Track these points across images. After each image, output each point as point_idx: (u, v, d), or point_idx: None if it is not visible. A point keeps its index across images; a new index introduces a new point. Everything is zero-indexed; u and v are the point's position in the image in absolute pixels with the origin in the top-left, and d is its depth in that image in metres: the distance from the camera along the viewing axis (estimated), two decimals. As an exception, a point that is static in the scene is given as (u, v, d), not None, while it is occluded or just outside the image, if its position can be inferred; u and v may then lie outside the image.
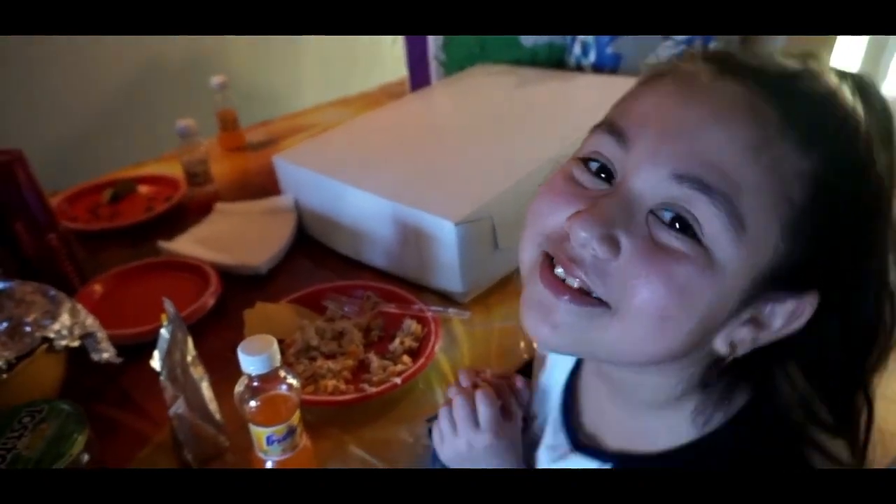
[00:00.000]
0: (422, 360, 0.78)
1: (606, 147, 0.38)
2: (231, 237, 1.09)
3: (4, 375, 0.66)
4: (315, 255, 1.05)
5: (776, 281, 0.35)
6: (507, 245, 0.90)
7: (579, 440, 0.48)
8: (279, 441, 0.61)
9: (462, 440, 0.51)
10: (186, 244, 1.07)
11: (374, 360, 0.79)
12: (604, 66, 1.34)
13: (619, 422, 0.46)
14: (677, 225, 0.35)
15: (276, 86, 2.02)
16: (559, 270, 0.38)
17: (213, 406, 0.70)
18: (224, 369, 0.71)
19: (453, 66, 1.44)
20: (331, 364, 0.79)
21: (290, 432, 0.62)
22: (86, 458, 0.58)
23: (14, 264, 0.90)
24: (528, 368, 0.60)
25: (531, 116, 1.12)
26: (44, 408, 0.62)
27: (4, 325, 0.70)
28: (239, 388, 0.61)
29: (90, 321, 0.74)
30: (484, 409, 0.51)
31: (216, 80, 1.38)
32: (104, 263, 1.02)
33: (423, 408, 0.75)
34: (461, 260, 0.87)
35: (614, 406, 0.46)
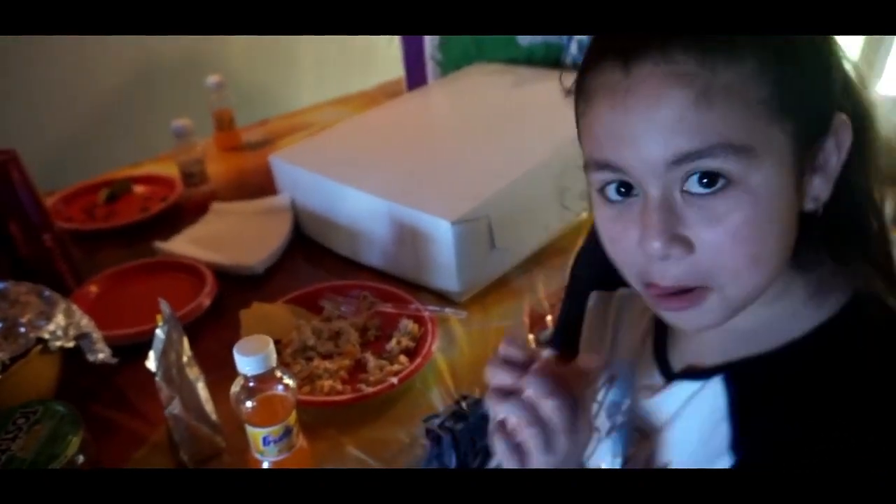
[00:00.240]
0: (419, 360, 0.77)
1: (608, 176, 0.41)
2: (227, 237, 1.09)
3: (-1, 376, 0.65)
4: (311, 254, 1.05)
5: (804, 141, 0.39)
6: (503, 244, 0.90)
7: (672, 374, 0.49)
8: (275, 442, 0.61)
9: (535, 462, 0.44)
10: (182, 244, 1.06)
11: (371, 360, 0.79)
12: (600, 66, 1.34)
13: (720, 336, 0.45)
14: (706, 180, 0.38)
15: (273, 85, 2.01)
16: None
17: (209, 406, 0.69)
18: (220, 370, 0.71)
19: (450, 65, 1.44)
20: (327, 364, 0.79)
21: (287, 433, 0.62)
22: (81, 459, 0.58)
23: (8, 265, 0.90)
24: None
25: (527, 116, 1.12)
26: (38, 409, 0.61)
27: (-1, 325, 0.70)
28: (235, 388, 0.61)
29: (85, 322, 0.73)
30: (558, 432, 0.42)
31: (212, 79, 1.38)
32: (99, 264, 1.02)
33: (421, 408, 0.75)
34: (458, 259, 0.87)
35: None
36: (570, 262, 0.63)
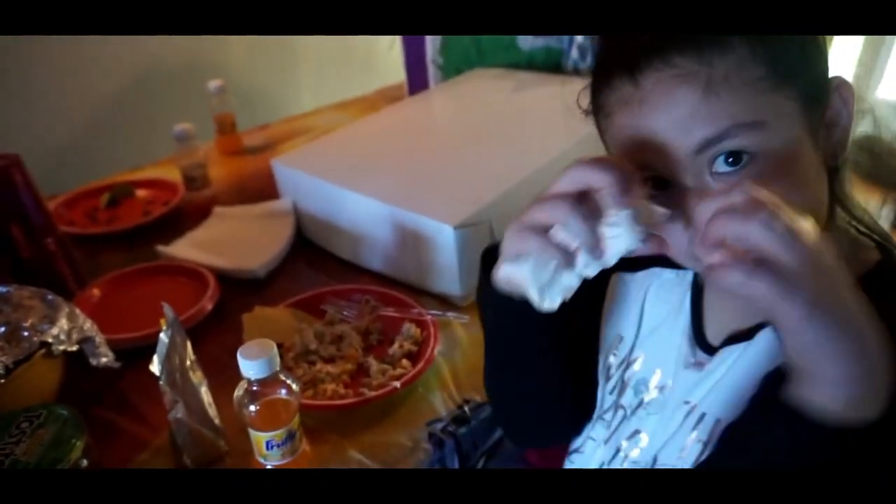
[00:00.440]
0: (421, 364, 0.78)
1: (643, 176, 0.43)
2: (229, 241, 1.09)
3: (2, 380, 0.65)
4: (313, 259, 1.05)
5: (809, 102, 0.42)
6: (505, 249, 0.90)
7: (714, 348, 0.50)
8: (279, 446, 0.61)
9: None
10: (184, 248, 1.07)
11: (374, 364, 0.79)
12: (601, 70, 1.34)
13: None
14: (731, 159, 0.41)
15: (274, 89, 2.02)
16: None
17: (211, 410, 0.69)
18: (222, 373, 0.71)
19: (451, 69, 1.45)
20: (330, 368, 0.79)
21: (290, 437, 0.62)
22: (84, 463, 0.58)
23: (11, 268, 0.90)
24: None
25: (529, 120, 1.13)
26: (42, 413, 0.61)
27: (2, 329, 0.70)
28: (238, 392, 0.61)
29: (88, 325, 0.74)
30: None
31: (214, 83, 1.39)
32: (101, 267, 1.02)
33: (423, 412, 0.75)
34: (460, 263, 0.87)
35: None
36: None
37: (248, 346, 0.60)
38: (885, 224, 0.50)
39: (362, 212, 0.96)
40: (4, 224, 0.89)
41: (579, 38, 1.38)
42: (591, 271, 0.41)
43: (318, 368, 0.79)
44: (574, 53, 1.40)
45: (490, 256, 0.49)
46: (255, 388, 0.60)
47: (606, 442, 0.55)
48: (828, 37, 0.44)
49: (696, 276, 0.54)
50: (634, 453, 0.53)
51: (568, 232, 0.40)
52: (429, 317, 0.85)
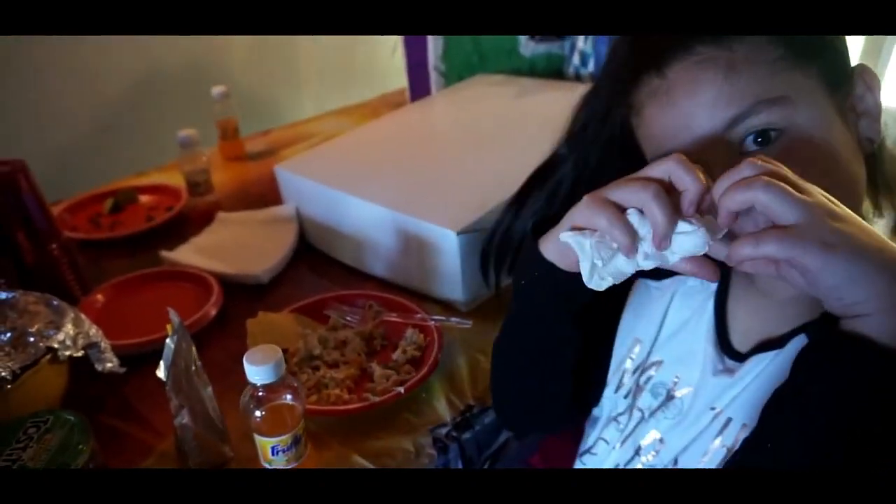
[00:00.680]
0: (424, 370, 0.78)
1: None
2: (232, 247, 1.09)
3: (9, 386, 0.66)
4: (317, 264, 1.06)
5: (830, 82, 0.44)
6: (508, 254, 0.90)
7: (741, 355, 0.50)
8: (284, 451, 0.61)
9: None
10: (188, 254, 1.07)
11: (377, 370, 0.79)
12: (602, 76, 1.35)
13: (791, 306, 0.47)
14: (760, 139, 0.42)
15: (276, 95, 2.02)
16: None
17: (216, 416, 0.70)
18: (226, 378, 0.72)
19: (453, 75, 1.45)
20: (333, 373, 0.79)
21: (295, 442, 0.62)
22: (90, 468, 0.58)
23: (15, 273, 0.90)
24: None
25: (531, 126, 1.13)
26: (49, 418, 0.62)
27: (8, 335, 0.70)
28: (244, 398, 0.61)
29: (94, 331, 0.74)
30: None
31: (217, 90, 1.39)
32: (105, 273, 1.02)
33: (427, 417, 0.75)
34: (463, 269, 0.87)
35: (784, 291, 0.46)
36: None
37: (254, 352, 0.60)
38: (883, 231, 0.50)
39: (365, 217, 0.97)
40: (9, 230, 0.90)
41: (581, 44, 1.38)
42: (649, 264, 0.42)
43: (321, 374, 0.79)
44: (576, 59, 1.40)
45: (541, 226, 0.49)
46: (260, 394, 0.60)
47: (622, 443, 0.56)
48: None
49: (719, 282, 0.54)
50: (652, 455, 0.53)
51: (642, 218, 0.41)
52: (432, 322, 0.85)
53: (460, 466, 0.71)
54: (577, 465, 0.61)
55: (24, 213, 0.90)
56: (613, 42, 0.52)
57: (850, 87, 0.46)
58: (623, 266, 0.42)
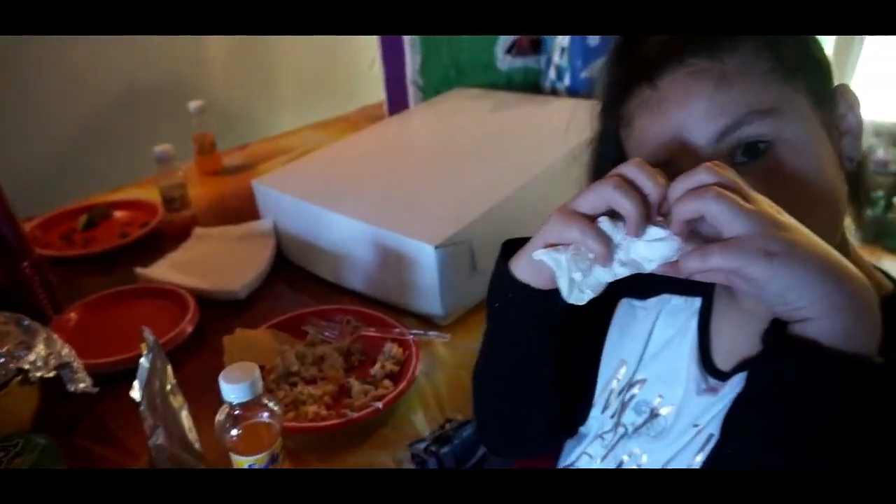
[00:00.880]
0: (403, 384, 0.78)
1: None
2: (209, 262, 1.08)
3: (-23, 409, 0.64)
4: (294, 279, 1.05)
5: (816, 97, 0.45)
6: (485, 267, 0.90)
7: (724, 373, 0.50)
8: (261, 470, 0.61)
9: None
10: (163, 270, 1.06)
11: (356, 385, 0.79)
12: (578, 91, 1.37)
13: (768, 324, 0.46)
14: (749, 152, 0.43)
15: (254, 108, 2.01)
16: None
17: (192, 435, 0.69)
18: (203, 397, 0.71)
19: (430, 89, 1.46)
20: (311, 389, 0.79)
21: (272, 461, 0.61)
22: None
23: (-14, 293, 0.88)
24: None
25: (508, 140, 1.14)
26: (18, 442, 0.60)
27: (-23, 356, 0.69)
28: (220, 417, 0.60)
29: (66, 351, 0.73)
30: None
31: (194, 104, 1.38)
32: (78, 291, 1.01)
33: (405, 432, 0.75)
34: (441, 283, 0.88)
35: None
36: None
37: (230, 370, 0.60)
38: (855, 242, 0.51)
39: (343, 232, 0.97)
40: (-21, 248, 0.88)
41: (556, 59, 1.40)
42: (625, 271, 0.42)
43: (299, 390, 0.79)
44: (552, 73, 1.42)
45: (510, 247, 0.49)
46: (236, 413, 0.60)
47: (604, 458, 0.56)
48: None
49: (703, 301, 0.54)
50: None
51: (614, 224, 0.41)
52: (410, 336, 0.85)
53: (439, 481, 0.71)
54: None
55: (-5, 231, 0.88)
56: (606, 56, 0.52)
57: (834, 105, 0.47)
58: (601, 276, 0.42)
